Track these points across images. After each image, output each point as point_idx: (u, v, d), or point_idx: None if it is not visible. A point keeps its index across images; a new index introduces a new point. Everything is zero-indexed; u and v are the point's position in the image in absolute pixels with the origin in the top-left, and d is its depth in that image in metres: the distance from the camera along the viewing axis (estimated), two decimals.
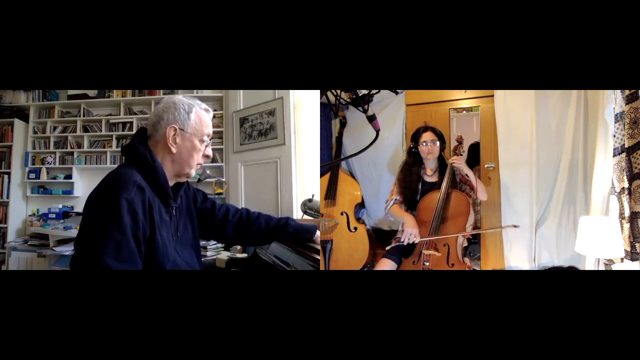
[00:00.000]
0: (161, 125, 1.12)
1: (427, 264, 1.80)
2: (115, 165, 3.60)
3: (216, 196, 3.23)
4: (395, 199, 1.97)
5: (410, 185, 1.93)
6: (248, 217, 1.41)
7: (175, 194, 1.17)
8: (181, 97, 1.17)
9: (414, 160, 1.97)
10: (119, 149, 3.60)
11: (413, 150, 1.96)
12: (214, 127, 4.17)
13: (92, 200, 1.01)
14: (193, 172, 1.18)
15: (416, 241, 1.80)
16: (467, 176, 1.86)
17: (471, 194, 1.89)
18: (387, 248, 1.87)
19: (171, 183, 1.16)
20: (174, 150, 1.11)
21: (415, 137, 1.96)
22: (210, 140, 1.19)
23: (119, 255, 0.92)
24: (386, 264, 1.86)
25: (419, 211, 1.89)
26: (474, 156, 2.51)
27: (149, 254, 1.02)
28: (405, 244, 1.81)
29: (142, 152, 1.08)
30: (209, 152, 1.19)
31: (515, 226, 1.86)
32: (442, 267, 1.79)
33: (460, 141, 1.95)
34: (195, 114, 1.15)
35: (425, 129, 1.95)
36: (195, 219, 1.29)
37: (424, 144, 1.91)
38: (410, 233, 1.79)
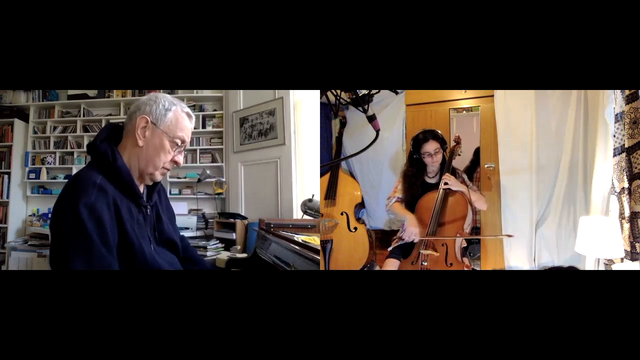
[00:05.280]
0: (136, 115, 1.05)
1: (426, 263, 1.80)
2: None
3: (216, 196, 3.23)
4: (398, 197, 1.97)
5: (412, 190, 1.94)
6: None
7: (151, 192, 1.11)
8: (167, 95, 1.10)
9: (415, 166, 1.95)
10: None
11: (415, 157, 1.94)
12: (214, 127, 4.07)
13: (55, 209, 0.95)
14: (158, 176, 1.09)
15: (416, 240, 1.80)
16: (462, 192, 1.83)
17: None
18: (390, 249, 1.87)
19: (139, 184, 1.07)
20: (140, 143, 1.03)
21: (416, 146, 1.91)
22: (183, 146, 1.10)
23: (90, 262, 0.88)
24: (392, 264, 1.86)
25: (418, 211, 1.89)
26: (479, 159, 2.49)
27: (126, 257, 0.96)
28: (406, 242, 1.81)
29: (103, 150, 1.00)
30: (179, 159, 1.10)
31: (509, 235, 1.90)
32: (441, 266, 1.79)
33: (457, 141, 1.94)
34: (173, 113, 1.07)
35: (425, 137, 1.88)
36: (174, 216, 1.22)
37: (427, 154, 1.88)
38: (411, 232, 1.79)
